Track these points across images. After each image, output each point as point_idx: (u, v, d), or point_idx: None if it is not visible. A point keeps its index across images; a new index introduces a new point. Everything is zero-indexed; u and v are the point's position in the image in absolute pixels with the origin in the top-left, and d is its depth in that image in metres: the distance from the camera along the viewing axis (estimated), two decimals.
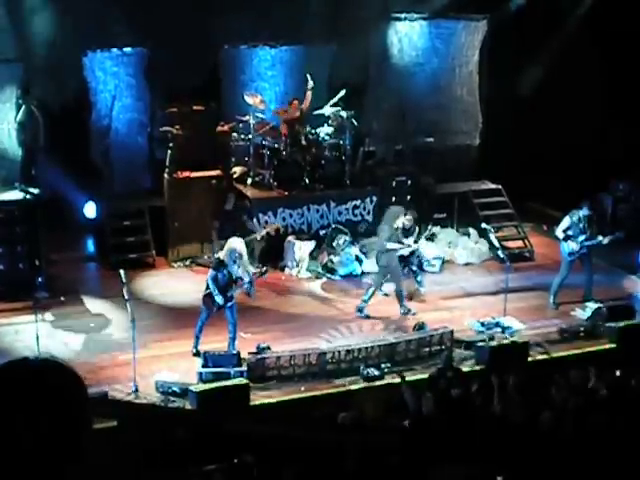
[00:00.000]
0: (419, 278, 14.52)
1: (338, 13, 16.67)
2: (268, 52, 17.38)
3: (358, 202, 16.51)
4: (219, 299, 11.81)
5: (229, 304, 11.92)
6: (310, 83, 16.20)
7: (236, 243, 12.02)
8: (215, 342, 12.07)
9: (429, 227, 14.90)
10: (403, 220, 13.67)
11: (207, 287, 11.96)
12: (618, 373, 10.54)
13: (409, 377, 11.67)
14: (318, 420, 9.42)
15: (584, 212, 14.00)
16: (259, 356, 11.70)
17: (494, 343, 12.46)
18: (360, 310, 13.65)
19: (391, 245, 13.49)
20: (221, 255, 12.00)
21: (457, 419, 9.20)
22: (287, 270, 15.52)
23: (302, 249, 15.47)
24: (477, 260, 16.18)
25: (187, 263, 15.43)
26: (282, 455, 6.86)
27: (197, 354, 11.85)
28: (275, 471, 6.93)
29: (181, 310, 13.21)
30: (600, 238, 14.00)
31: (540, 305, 14.09)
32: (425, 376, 11.32)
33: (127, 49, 16.24)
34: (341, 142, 16.44)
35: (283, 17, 16.48)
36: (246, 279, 11.96)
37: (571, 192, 14.65)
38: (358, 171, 16.73)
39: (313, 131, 16.41)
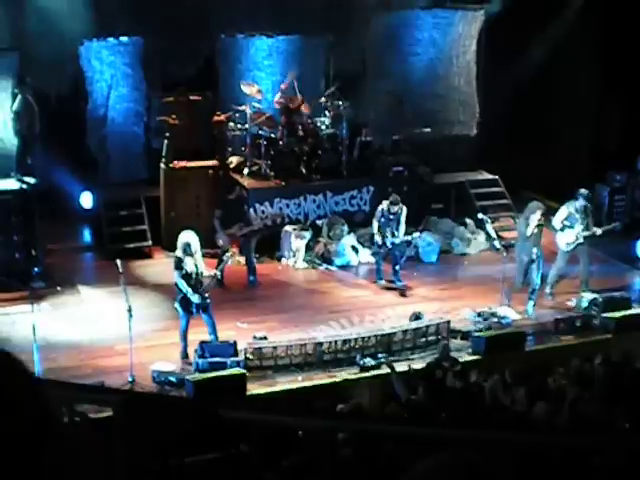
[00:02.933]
0: (398, 269, 14.54)
1: (335, 2, 16.64)
2: (265, 42, 17.34)
3: (355, 192, 16.50)
4: (195, 298, 11.50)
5: (206, 302, 11.64)
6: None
7: (188, 236, 11.63)
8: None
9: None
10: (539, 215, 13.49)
11: (179, 291, 11.64)
12: (613, 363, 10.55)
13: (404, 367, 11.72)
14: (316, 410, 9.43)
15: (580, 203, 14.01)
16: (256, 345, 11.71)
17: (490, 333, 12.48)
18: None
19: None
20: (177, 252, 11.66)
21: (452, 409, 9.22)
22: (284, 260, 15.52)
23: (299, 239, 15.46)
24: (474, 250, 16.19)
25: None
26: (279, 444, 6.87)
27: (186, 357, 11.74)
28: (272, 460, 6.94)
29: None
30: (595, 229, 14.01)
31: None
32: (421, 366, 11.34)
33: (123, 38, 16.20)
34: (338, 132, 16.42)
35: (280, 6, 16.45)
36: (211, 271, 11.76)
37: (568, 183, 14.64)
38: (355, 161, 16.70)
39: (310, 121, 16.39)
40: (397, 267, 14.48)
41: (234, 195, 14.48)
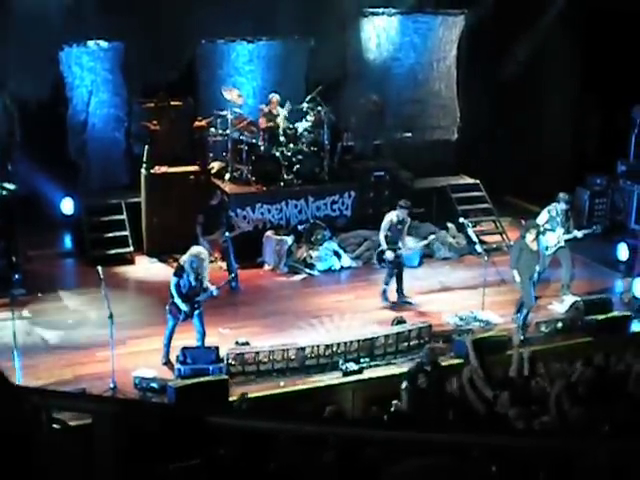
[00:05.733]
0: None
1: (316, 8, 16.65)
2: (246, 47, 17.34)
3: (336, 197, 16.52)
4: (184, 307, 11.51)
5: (196, 312, 11.67)
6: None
7: (200, 252, 11.63)
8: (193, 338, 11.99)
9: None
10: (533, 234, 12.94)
11: (171, 295, 11.65)
12: (595, 366, 10.59)
13: (389, 371, 11.74)
14: (299, 414, 9.41)
15: (561, 206, 14.08)
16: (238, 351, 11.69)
17: (472, 337, 12.49)
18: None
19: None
20: (182, 260, 11.65)
21: (434, 412, 9.24)
22: (266, 266, 15.50)
23: (280, 244, 15.45)
24: (455, 255, 16.23)
25: (165, 259, 15.35)
26: (260, 449, 6.85)
27: (167, 363, 11.70)
28: (254, 465, 6.93)
29: (159, 306, 13.11)
30: (575, 232, 14.08)
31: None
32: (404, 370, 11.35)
33: (104, 44, 16.15)
34: (319, 137, 16.43)
35: (260, 12, 16.45)
36: (210, 288, 11.67)
37: (549, 186, 14.71)
38: (336, 166, 16.71)
39: (291, 126, 16.40)
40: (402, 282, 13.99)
41: (216, 201, 14.45)
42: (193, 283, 11.54)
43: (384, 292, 13.95)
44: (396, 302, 13.93)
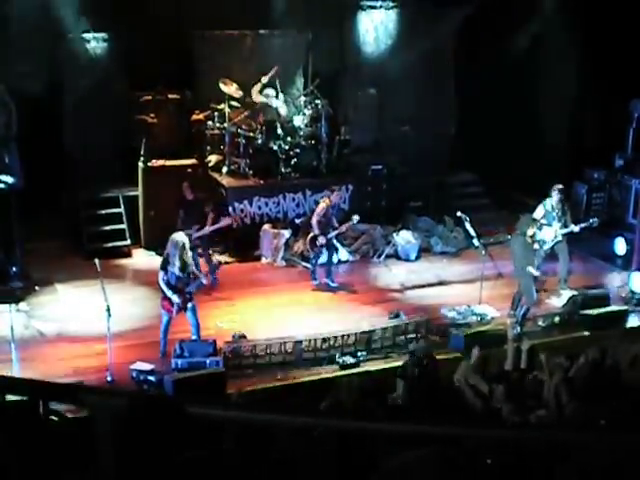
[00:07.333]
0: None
1: (314, 1, 16.64)
2: (244, 39, 17.29)
3: None
4: (176, 298, 11.49)
5: (189, 304, 11.64)
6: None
7: (178, 236, 11.59)
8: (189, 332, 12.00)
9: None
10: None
11: (161, 290, 11.63)
12: (591, 360, 10.61)
13: (385, 365, 11.75)
14: (294, 407, 9.41)
15: (556, 198, 14.07)
16: (235, 345, 11.70)
17: (469, 331, 12.52)
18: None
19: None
20: (167, 252, 11.58)
21: (429, 405, 9.26)
22: (263, 259, 15.51)
23: (278, 238, 15.45)
24: (453, 249, 16.23)
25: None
26: (258, 442, 6.85)
27: (165, 356, 11.68)
28: (256, 457, 6.93)
29: (156, 299, 13.10)
30: (572, 226, 14.08)
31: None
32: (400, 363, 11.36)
33: (101, 36, 16.09)
34: (317, 131, 16.42)
35: (258, 4, 16.43)
36: (199, 275, 11.72)
37: (546, 180, 14.71)
38: (334, 160, 16.72)
39: (289, 119, 16.39)
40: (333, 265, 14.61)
41: (190, 195, 14.10)
42: (178, 273, 11.51)
43: (313, 272, 14.49)
44: (326, 283, 14.44)
